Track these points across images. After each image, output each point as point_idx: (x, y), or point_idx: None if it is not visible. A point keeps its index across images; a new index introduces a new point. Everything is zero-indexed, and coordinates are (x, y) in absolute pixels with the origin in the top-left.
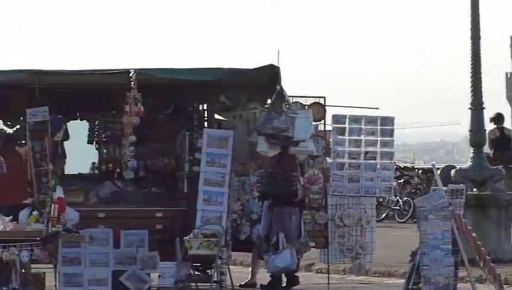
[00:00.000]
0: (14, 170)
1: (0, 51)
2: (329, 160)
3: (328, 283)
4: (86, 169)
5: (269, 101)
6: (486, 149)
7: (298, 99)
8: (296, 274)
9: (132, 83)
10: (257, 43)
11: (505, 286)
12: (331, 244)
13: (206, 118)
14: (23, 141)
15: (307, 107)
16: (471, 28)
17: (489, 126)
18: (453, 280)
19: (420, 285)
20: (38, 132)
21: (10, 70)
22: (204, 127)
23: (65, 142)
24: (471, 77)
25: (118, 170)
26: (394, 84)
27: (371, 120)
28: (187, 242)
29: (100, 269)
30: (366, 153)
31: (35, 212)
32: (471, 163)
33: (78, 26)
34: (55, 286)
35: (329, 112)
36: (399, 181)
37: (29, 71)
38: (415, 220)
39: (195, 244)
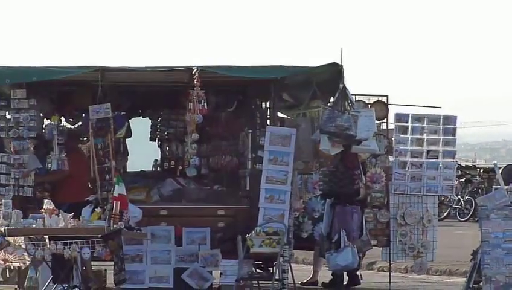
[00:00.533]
0: (76, 167)
1: (63, 48)
2: (391, 158)
3: (390, 282)
4: (148, 166)
5: (332, 99)
6: None
7: (361, 98)
8: (357, 273)
9: (195, 80)
10: (319, 41)
11: None
12: (393, 243)
13: (268, 116)
14: (85, 138)
15: (369, 105)
16: None
17: None
18: None
19: (481, 284)
20: (100, 129)
21: (73, 67)
22: (267, 124)
23: (127, 140)
24: None
25: (180, 168)
26: (456, 81)
27: (434, 119)
28: (249, 240)
29: (162, 267)
30: (428, 151)
31: (97, 210)
32: None
33: (138, 24)
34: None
35: (392, 111)
36: (461, 180)
37: (92, 68)
38: (476, 219)
39: (257, 242)
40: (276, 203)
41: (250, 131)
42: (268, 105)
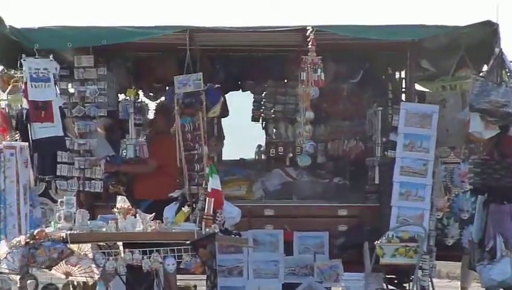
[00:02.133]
0: (158, 155)
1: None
2: None
3: None
4: (249, 154)
5: (485, 67)
6: None
7: None
8: None
9: (310, 43)
10: None
11: None
12: None
13: (403, 89)
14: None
15: None
16: None
17: None
18: None
19: None
20: (189, 106)
21: (153, 27)
22: (402, 100)
23: (223, 119)
24: None
25: (290, 155)
26: None
27: None
28: (379, 248)
29: (267, 282)
30: None
31: (185, 209)
32: None
33: None
34: None
35: None
36: None
37: (178, 28)
38: None
39: (389, 251)
40: (414, 200)
41: (379, 108)
42: (403, 75)
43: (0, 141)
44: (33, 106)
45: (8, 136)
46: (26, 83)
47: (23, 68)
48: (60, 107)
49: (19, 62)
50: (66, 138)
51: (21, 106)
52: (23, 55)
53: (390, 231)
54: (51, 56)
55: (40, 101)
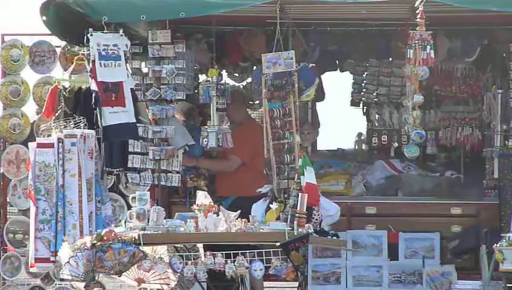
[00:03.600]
0: (242, 148)
1: None
2: None
3: None
4: (348, 143)
5: None
6: None
7: None
8: None
9: (418, 16)
10: None
11: None
12: None
13: None
14: (257, 102)
15: None
16: None
17: None
18: None
19: None
20: (279, 88)
21: None
22: None
23: (319, 104)
24: None
25: (395, 145)
26: None
27: None
28: (498, 252)
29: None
30: None
31: (274, 206)
32: None
33: None
34: None
35: None
36: None
37: None
38: None
39: (511, 256)
40: None
41: (499, 91)
42: None
43: (44, 124)
44: (102, 87)
45: (53, 119)
46: (94, 61)
47: (91, 44)
48: (131, 89)
49: (85, 37)
50: (138, 125)
51: (85, 87)
52: (90, 30)
53: None
54: (121, 31)
55: (110, 83)
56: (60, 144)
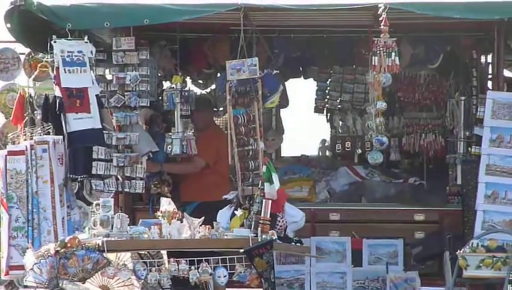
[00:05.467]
0: (206, 151)
1: None
2: None
3: None
4: (312, 150)
5: None
6: None
7: None
8: None
9: (382, 23)
10: None
11: None
12: None
13: (490, 76)
14: (221, 108)
15: None
16: None
17: None
18: None
19: None
20: (243, 95)
21: (202, 5)
22: (488, 88)
23: (283, 110)
24: None
25: (359, 151)
26: None
27: None
28: (462, 259)
29: None
30: None
31: (239, 212)
32: None
33: None
34: None
35: None
36: None
37: (231, 6)
38: None
39: (474, 262)
40: (502, 203)
41: (462, 98)
42: (489, 60)
43: (12, 133)
44: (67, 93)
45: (21, 127)
46: (58, 68)
47: (54, 51)
48: (96, 95)
49: (48, 44)
50: (103, 131)
51: (47, 94)
52: (54, 36)
53: (475, 239)
54: (86, 37)
55: (75, 88)
56: (32, 151)
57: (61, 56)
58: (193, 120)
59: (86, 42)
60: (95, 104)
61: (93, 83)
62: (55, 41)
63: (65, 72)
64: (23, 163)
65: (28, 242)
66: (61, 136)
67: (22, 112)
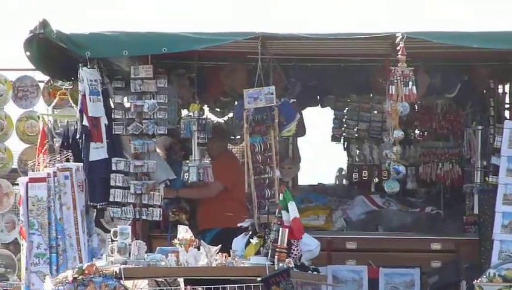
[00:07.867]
0: (223, 177)
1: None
2: None
3: None
4: (329, 178)
5: None
6: None
7: None
8: None
9: (399, 52)
10: None
11: None
12: None
13: (507, 105)
14: (238, 136)
15: None
16: None
17: None
18: None
19: None
20: (260, 123)
21: (220, 34)
22: (506, 118)
23: (300, 139)
24: None
25: (376, 180)
26: None
27: None
28: (478, 288)
29: None
30: None
31: (254, 240)
32: None
33: None
34: None
35: None
36: None
37: (249, 34)
38: None
39: None
40: None
41: (479, 127)
42: (507, 89)
43: (32, 160)
44: (91, 123)
45: (42, 154)
46: (84, 96)
47: (83, 79)
48: (105, 124)
49: (67, 72)
50: (120, 159)
51: (68, 121)
52: (81, 64)
53: (492, 268)
54: (96, 65)
55: (94, 118)
56: (55, 178)
57: (87, 84)
58: (207, 148)
59: (94, 70)
60: (105, 134)
61: (103, 113)
62: (83, 69)
63: (90, 101)
64: (44, 190)
65: (51, 269)
66: (82, 164)
67: (44, 140)
